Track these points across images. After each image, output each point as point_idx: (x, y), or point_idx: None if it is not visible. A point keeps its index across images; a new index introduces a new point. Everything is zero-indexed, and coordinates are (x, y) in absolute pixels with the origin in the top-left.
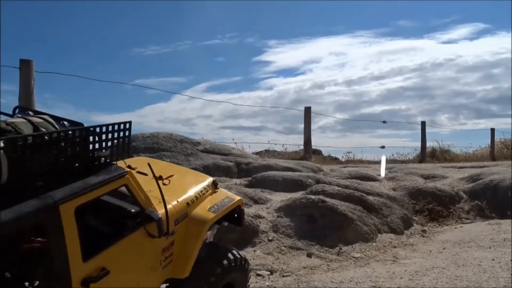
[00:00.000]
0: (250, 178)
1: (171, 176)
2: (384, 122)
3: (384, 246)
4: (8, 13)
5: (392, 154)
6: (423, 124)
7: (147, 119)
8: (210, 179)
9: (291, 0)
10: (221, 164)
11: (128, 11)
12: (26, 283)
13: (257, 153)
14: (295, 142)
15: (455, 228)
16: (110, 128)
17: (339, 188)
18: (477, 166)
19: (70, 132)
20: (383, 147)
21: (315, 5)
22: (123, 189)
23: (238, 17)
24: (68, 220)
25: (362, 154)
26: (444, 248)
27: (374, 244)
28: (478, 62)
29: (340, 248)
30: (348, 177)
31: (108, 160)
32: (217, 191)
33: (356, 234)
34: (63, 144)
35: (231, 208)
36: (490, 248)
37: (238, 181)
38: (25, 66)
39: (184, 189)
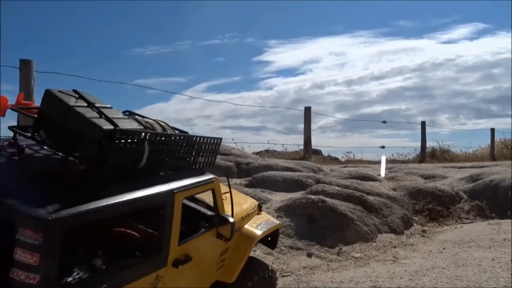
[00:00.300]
0: (250, 178)
1: (227, 192)
2: (384, 122)
3: (384, 246)
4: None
5: (392, 154)
6: (423, 124)
7: None
8: (256, 202)
9: (291, 0)
10: (221, 164)
11: (128, 11)
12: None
13: (257, 153)
14: (295, 142)
15: (455, 228)
16: (206, 140)
17: (339, 188)
18: (477, 166)
19: (183, 138)
20: (383, 147)
21: (315, 5)
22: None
23: (238, 17)
24: (178, 206)
25: (362, 154)
26: (444, 248)
27: (374, 244)
28: (478, 62)
29: (340, 248)
30: (348, 177)
31: (201, 167)
32: (260, 213)
33: (356, 234)
34: (179, 146)
35: (274, 229)
36: (490, 248)
37: (238, 181)
38: (25, 66)
39: (238, 206)
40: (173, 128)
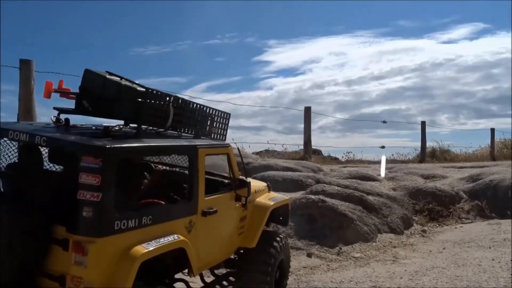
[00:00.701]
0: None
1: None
2: (384, 122)
3: (384, 246)
4: (8, 13)
5: (392, 154)
6: (423, 124)
7: None
8: (265, 183)
9: (291, 0)
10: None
11: (128, 11)
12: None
13: (257, 153)
14: (295, 142)
15: (455, 228)
16: (217, 112)
17: (339, 188)
18: (477, 166)
19: (198, 106)
20: (383, 147)
21: (315, 5)
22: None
23: (238, 17)
24: (201, 160)
25: (362, 154)
26: (444, 248)
27: (374, 244)
28: (478, 62)
29: (340, 248)
30: (348, 177)
31: (215, 137)
32: (270, 192)
33: (356, 234)
34: (196, 113)
35: (284, 203)
36: (490, 248)
37: None
38: (25, 66)
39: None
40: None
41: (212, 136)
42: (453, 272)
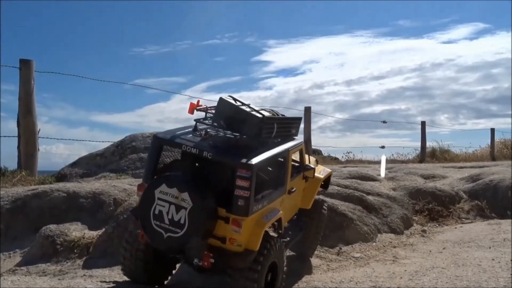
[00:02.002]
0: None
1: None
2: (384, 122)
3: (384, 246)
4: (8, 13)
5: (392, 154)
6: (423, 124)
7: (147, 119)
8: (315, 159)
9: (291, 0)
10: None
11: (128, 11)
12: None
13: None
14: None
15: (455, 228)
16: (295, 119)
17: (339, 188)
18: (477, 166)
19: (287, 119)
20: (383, 147)
21: (314, 5)
22: None
23: (237, 17)
24: (290, 158)
25: (362, 154)
26: (444, 248)
27: (374, 244)
28: (478, 62)
29: (340, 248)
30: (348, 177)
31: (293, 136)
32: (318, 166)
33: (356, 234)
34: (286, 124)
35: (329, 174)
36: (490, 248)
37: None
38: (25, 66)
39: (308, 160)
40: (276, 112)
41: (292, 135)
42: (453, 272)
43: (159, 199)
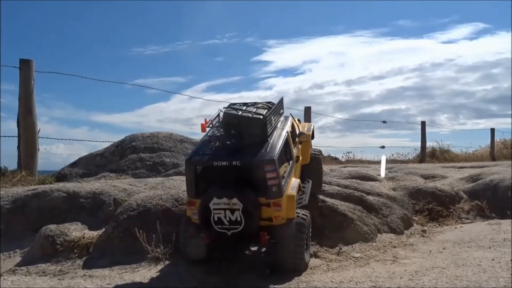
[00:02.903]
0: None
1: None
2: (384, 122)
3: (384, 246)
4: (8, 13)
5: (392, 154)
6: (423, 124)
7: (147, 119)
8: (297, 119)
9: (290, 0)
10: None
11: (128, 11)
12: None
13: None
14: None
15: (455, 228)
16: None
17: (339, 188)
18: (477, 166)
19: (276, 106)
20: (383, 147)
21: (314, 5)
22: None
23: (237, 17)
24: (289, 138)
25: (362, 154)
26: (444, 248)
27: (374, 244)
28: (478, 62)
29: (340, 248)
30: (348, 177)
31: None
32: (300, 123)
33: (356, 234)
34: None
35: (313, 127)
36: (490, 248)
37: None
38: (25, 66)
39: (298, 126)
40: (267, 103)
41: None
42: (453, 272)
43: (214, 209)
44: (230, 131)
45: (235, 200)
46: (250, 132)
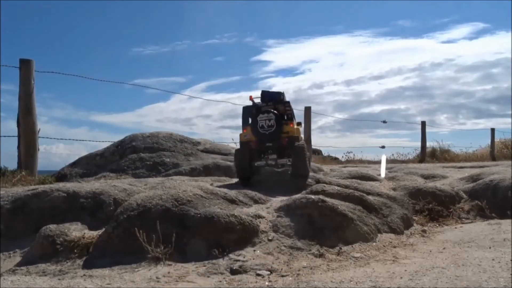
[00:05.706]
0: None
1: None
2: (384, 122)
3: (384, 246)
4: (8, 13)
5: (392, 154)
6: (423, 124)
7: (146, 119)
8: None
9: (290, 0)
10: (221, 164)
11: (127, 11)
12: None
13: None
14: None
15: (455, 228)
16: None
17: (339, 188)
18: (477, 166)
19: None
20: (383, 147)
21: (314, 5)
22: None
23: (237, 17)
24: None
25: (362, 154)
26: (444, 248)
27: (374, 244)
28: (478, 61)
29: (340, 248)
30: (348, 177)
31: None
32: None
33: (356, 234)
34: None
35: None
36: (490, 248)
37: (238, 180)
38: (25, 66)
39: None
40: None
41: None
42: (453, 272)
43: (259, 119)
44: (268, 103)
45: (271, 115)
46: (279, 106)
